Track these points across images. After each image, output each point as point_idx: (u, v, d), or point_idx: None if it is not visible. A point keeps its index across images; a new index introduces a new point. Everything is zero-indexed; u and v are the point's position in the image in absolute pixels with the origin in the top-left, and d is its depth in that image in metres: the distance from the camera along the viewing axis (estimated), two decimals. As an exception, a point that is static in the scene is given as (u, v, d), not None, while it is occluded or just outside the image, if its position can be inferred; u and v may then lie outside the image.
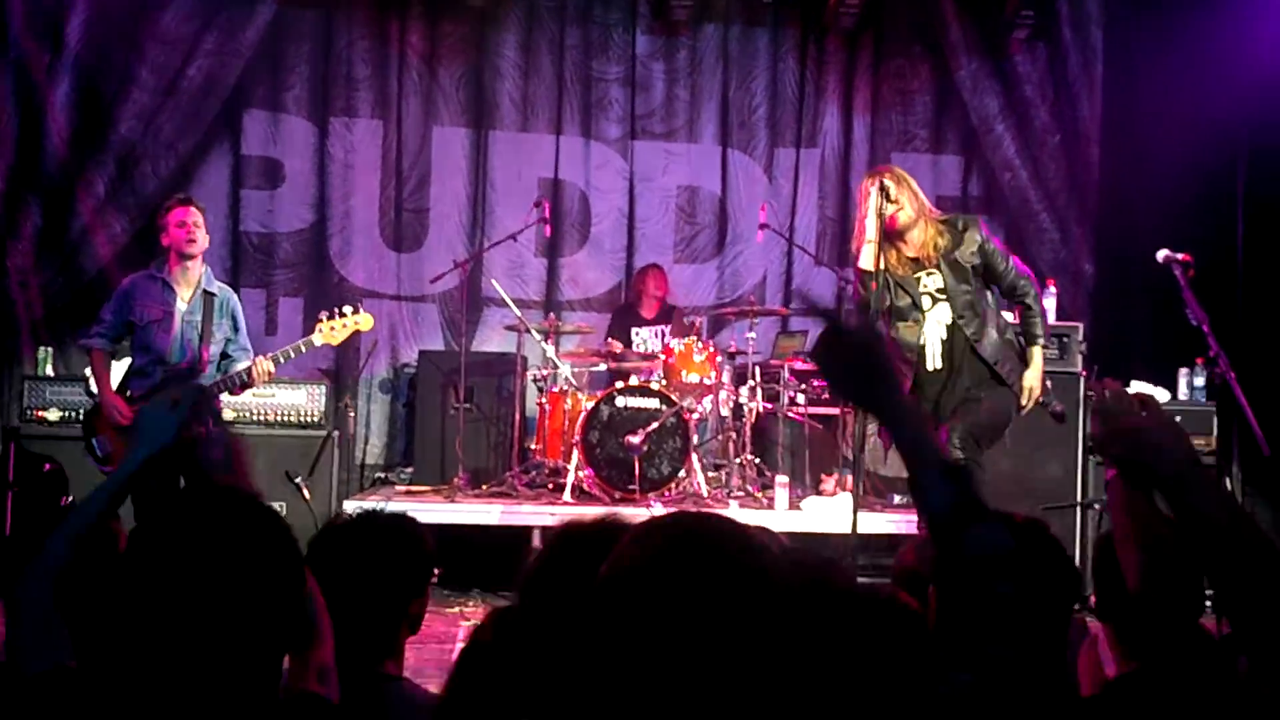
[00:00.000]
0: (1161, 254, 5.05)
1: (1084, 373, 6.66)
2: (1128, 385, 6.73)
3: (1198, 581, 2.49)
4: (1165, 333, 6.51)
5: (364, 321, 5.70)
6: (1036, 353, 5.10)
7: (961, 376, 4.98)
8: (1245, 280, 7.65)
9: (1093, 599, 2.41)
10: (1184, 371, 6.88)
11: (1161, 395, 6.73)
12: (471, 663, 1.82)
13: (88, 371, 6.46)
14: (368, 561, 2.22)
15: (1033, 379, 5.07)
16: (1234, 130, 7.70)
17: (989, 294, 5.15)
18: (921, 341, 5.03)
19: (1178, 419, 6.16)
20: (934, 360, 5.00)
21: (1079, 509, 6.45)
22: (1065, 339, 6.71)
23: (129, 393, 5.38)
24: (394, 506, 6.50)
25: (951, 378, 4.99)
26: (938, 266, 5.01)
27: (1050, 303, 6.97)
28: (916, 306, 5.03)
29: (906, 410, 1.65)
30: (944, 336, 5.00)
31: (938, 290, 5.02)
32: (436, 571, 2.37)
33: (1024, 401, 5.06)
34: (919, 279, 5.04)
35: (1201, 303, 4.95)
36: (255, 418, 6.93)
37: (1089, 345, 6.86)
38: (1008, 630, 1.52)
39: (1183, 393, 6.86)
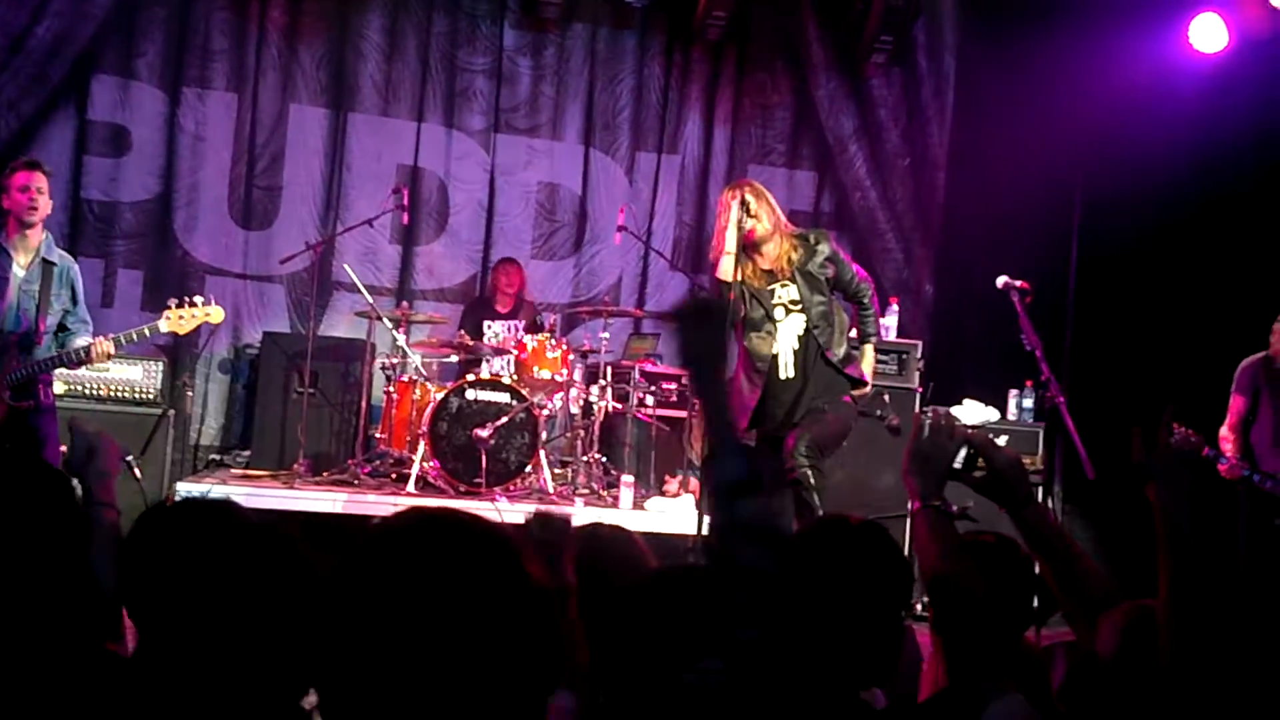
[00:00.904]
0: (1001, 280, 5.31)
1: (919, 389, 6.93)
2: (960, 403, 7.04)
3: (1025, 597, 2.64)
4: (998, 354, 6.80)
5: (214, 314, 5.55)
6: (868, 349, 5.38)
7: (810, 385, 5.14)
8: (1075, 308, 8.04)
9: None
10: (1014, 393, 7.20)
11: (991, 415, 7.04)
12: None
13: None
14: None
15: (866, 372, 5.34)
16: (1072, 162, 8.08)
17: (840, 309, 5.35)
18: (774, 351, 5.18)
19: (1004, 439, 6.42)
20: (786, 369, 5.15)
21: (909, 519, 6.67)
22: (904, 355, 6.96)
23: None
24: (229, 490, 6.42)
25: (804, 387, 5.14)
26: (792, 279, 5.17)
27: (891, 320, 7.23)
28: (769, 318, 5.19)
29: (723, 389, 1.83)
30: (796, 347, 5.16)
31: (792, 301, 5.18)
32: None
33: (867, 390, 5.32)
34: (773, 290, 5.19)
35: (1036, 328, 5.22)
36: (89, 392, 6.69)
37: (926, 363, 7.13)
38: (764, 611, 1.63)
39: (1011, 413, 7.18)
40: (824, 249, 5.23)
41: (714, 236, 5.33)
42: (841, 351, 5.21)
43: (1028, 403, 7.12)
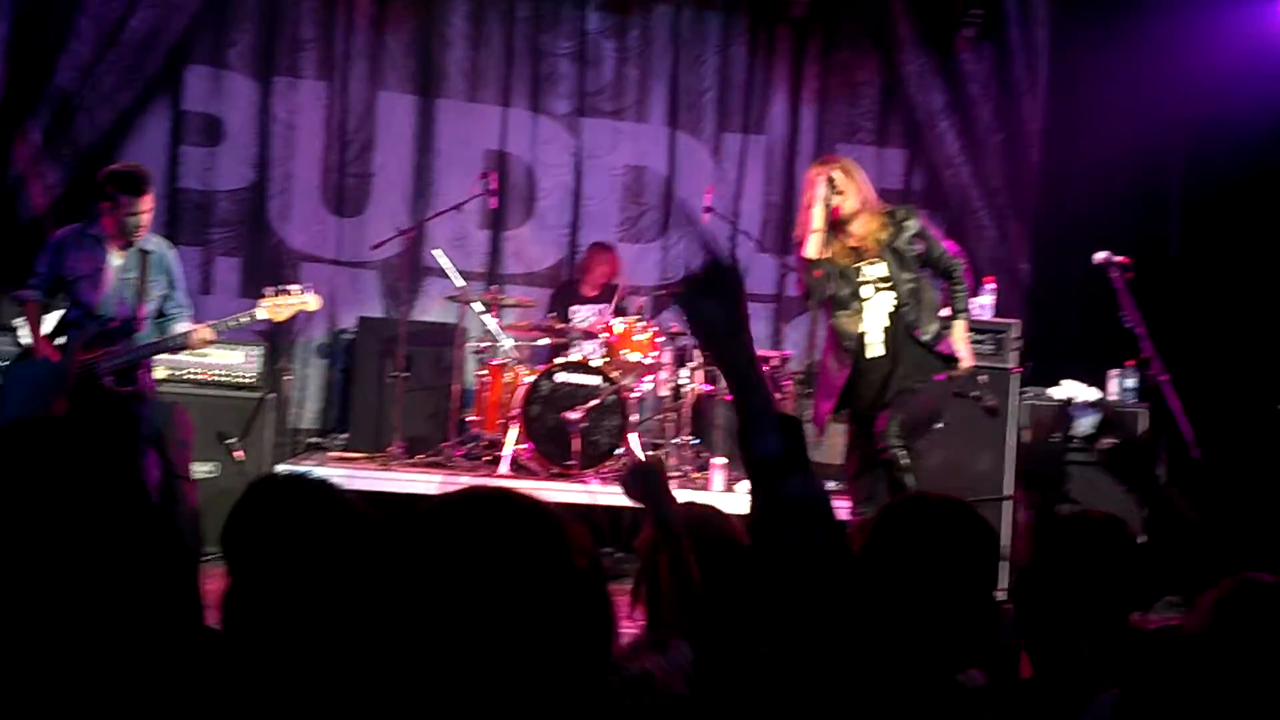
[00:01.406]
0: (1099, 255, 5.19)
1: (1017, 369, 6.79)
2: (1058, 384, 6.89)
3: (1130, 578, 2.57)
4: (1098, 333, 6.64)
5: (310, 301, 5.64)
6: (959, 325, 5.26)
7: (900, 364, 5.06)
8: (1178, 284, 7.83)
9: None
10: (1114, 372, 7.01)
11: (1091, 395, 6.87)
12: None
13: (17, 321, 6.33)
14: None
15: (965, 353, 5.22)
16: (1172, 135, 7.88)
17: (930, 286, 5.25)
18: (861, 330, 5.11)
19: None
20: (874, 348, 5.09)
21: (1005, 502, 6.57)
22: (1000, 335, 6.82)
23: (61, 342, 5.30)
24: (328, 472, 6.51)
25: (894, 366, 5.07)
26: (880, 256, 5.09)
27: (987, 299, 7.08)
28: (856, 296, 5.12)
29: (752, 357, 1.71)
30: (886, 325, 5.08)
31: (880, 279, 5.10)
32: None
33: (964, 366, 5.21)
34: (860, 269, 5.12)
35: (1136, 305, 5.09)
36: (190, 377, 6.82)
37: (1024, 342, 6.98)
38: (816, 583, 1.57)
39: (1113, 393, 6.99)
40: (912, 224, 5.15)
41: (800, 214, 5.28)
42: (932, 330, 5.11)
43: (1130, 382, 6.93)
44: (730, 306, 1.70)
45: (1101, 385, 6.99)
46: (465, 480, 6.57)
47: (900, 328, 5.07)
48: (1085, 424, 2.13)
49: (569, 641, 1.36)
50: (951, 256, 5.27)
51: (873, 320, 5.10)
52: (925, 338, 5.06)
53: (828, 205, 5.02)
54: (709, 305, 1.70)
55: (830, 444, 7.18)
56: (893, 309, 5.08)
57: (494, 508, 1.42)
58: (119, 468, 1.68)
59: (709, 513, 2.84)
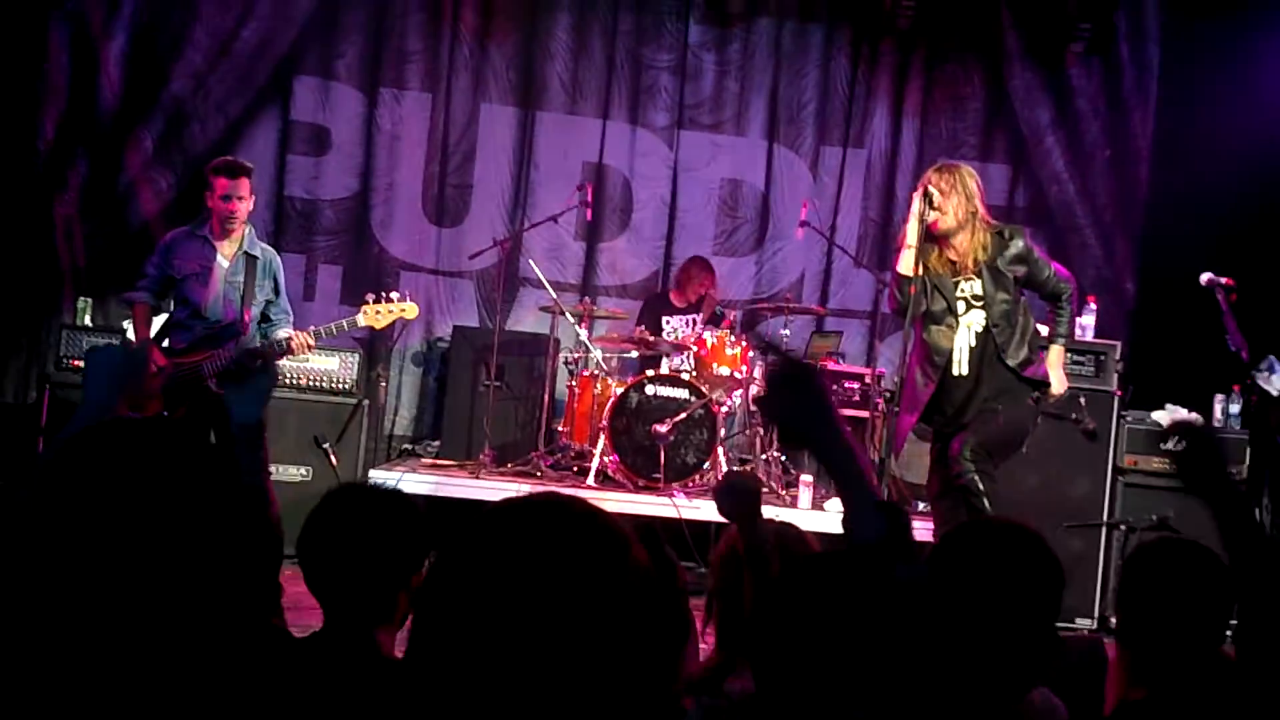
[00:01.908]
0: (1205, 277, 5.03)
1: (1118, 391, 6.61)
2: (1161, 408, 6.70)
3: (1221, 608, 2.47)
4: (1203, 357, 6.44)
5: (409, 310, 5.73)
6: (1055, 349, 5.12)
7: (983, 385, 4.94)
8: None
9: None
10: (1219, 397, 6.80)
11: (1193, 420, 6.66)
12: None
13: (125, 324, 6.54)
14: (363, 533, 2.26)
15: (1056, 379, 5.07)
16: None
17: (1028, 311, 5.11)
18: (951, 346, 5.00)
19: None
20: (960, 366, 4.96)
21: (1105, 528, 6.40)
22: (1102, 357, 6.65)
23: (167, 343, 5.44)
24: (418, 478, 6.59)
25: (975, 386, 4.95)
26: (978, 273, 4.97)
27: (1089, 319, 6.92)
28: (951, 311, 4.99)
29: (847, 445, 1.71)
30: (973, 344, 4.96)
31: (974, 296, 4.99)
32: None
33: (1054, 391, 5.07)
34: (957, 283, 5.00)
35: (1243, 329, 4.91)
36: (289, 381, 6.96)
37: (1126, 365, 6.80)
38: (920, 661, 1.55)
39: (1217, 418, 6.78)
40: (1017, 245, 5.01)
41: (899, 228, 5.20)
42: (1020, 356, 4.94)
43: (1234, 408, 6.72)
44: (811, 401, 1.72)
45: (1206, 410, 6.78)
46: (552, 489, 6.63)
47: (989, 348, 4.94)
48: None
49: (628, 652, 1.34)
50: (1061, 279, 5.10)
51: (962, 337, 4.99)
52: (1011, 362, 4.93)
53: (923, 220, 4.92)
54: (790, 406, 1.73)
55: (919, 463, 7.09)
56: (982, 328, 4.96)
57: (548, 515, 1.41)
58: (217, 467, 1.72)
59: (793, 533, 2.79)
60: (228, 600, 1.62)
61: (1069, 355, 6.56)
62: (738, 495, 2.40)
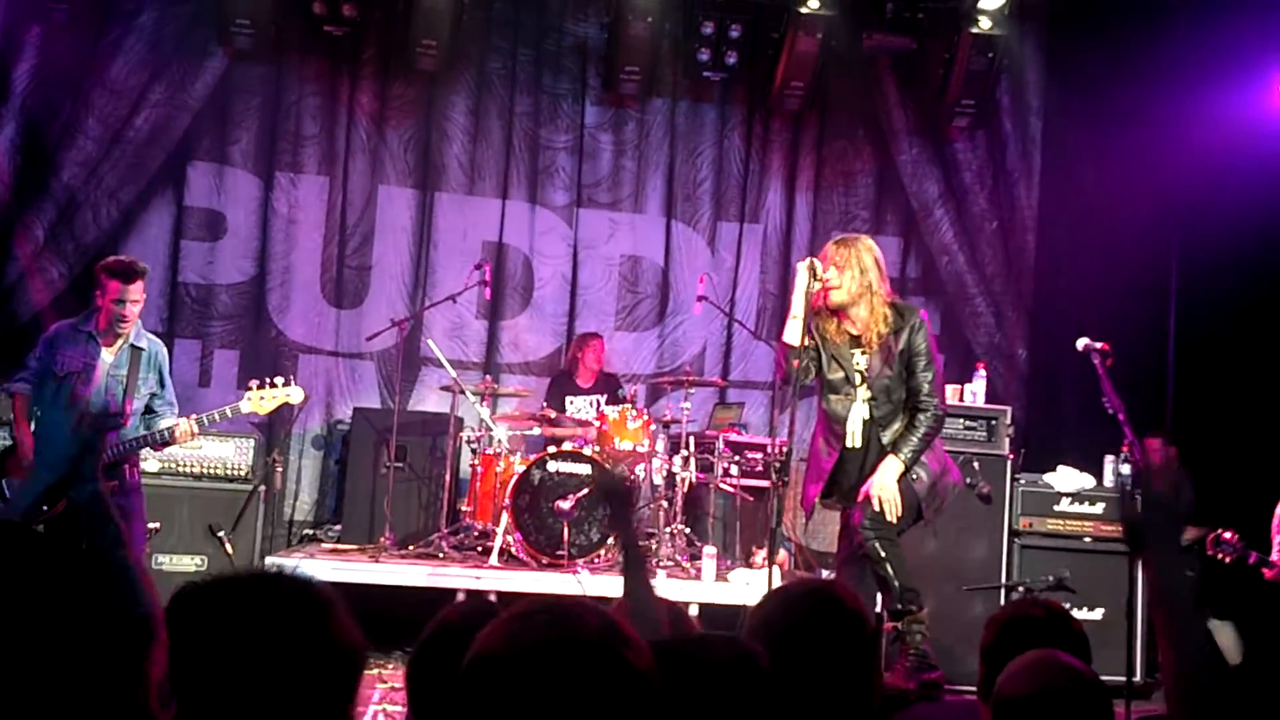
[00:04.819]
0: (1081, 342, 5.15)
1: (1011, 455, 6.74)
2: (1054, 470, 6.83)
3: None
4: (1094, 419, 6.59)
5: (294, 394, 5.66)
6: (891, 459, 4.91)
7: (870, 457, 5.00)
8: (1176, 370, 7.80)
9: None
10: (1110, 458, 6.96)
11: (1086, 482, 6.82)
12: None
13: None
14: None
15: (878, 485, 4.87)
16: (1167, 221, 7.91)
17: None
18: (848, 416, 5.03)
19: (1100, 506, 6.12)
20: (854, 438, 5.02)
21: (1004, 590, 6.49)
22: (993, 422, 6.79)
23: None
24: (317, 564, 6.48)
25: (865, 459, 5.01)
26: (873, 348, 5.00)
27: (980, 385, 7.06)
28: (849, 381, 5.04)
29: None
30: (866, 416, 5.03)
31: (865, 370, 5.04)
32: None
33: (875, 508, 4.86)
34: (854, 355, 5.05)
35: (1127, 391, 5.04)
36: (182, 470, 6.84)
37: (1019, 429, 6.94)
38: None
39: (1109, 479, 6.94)
40: (914, 336, 4.94)
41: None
42: (891, 434, 4.97)
43: (1125, 469, 6.88)
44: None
45: (1098, 472, 6.94)
46: (454, 571, 6.55)
47: (875, 421, 5.01)
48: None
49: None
50: (932, 400, 4.94)
51: (856, 410, 5.05)
52: (885, 439, 4.98)
53: (808, 292, 4.98)
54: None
55: (826, 531, 7.14)
56: (865, 402, 5.02)
57: (257, 589, 1.59)
58: (85, 567, 1.75)
59: (681, 611, 2.77)
60: (90, 684, 1.63)
61: (961, 421, 6.69)
62: (611, 494, 2.78)
